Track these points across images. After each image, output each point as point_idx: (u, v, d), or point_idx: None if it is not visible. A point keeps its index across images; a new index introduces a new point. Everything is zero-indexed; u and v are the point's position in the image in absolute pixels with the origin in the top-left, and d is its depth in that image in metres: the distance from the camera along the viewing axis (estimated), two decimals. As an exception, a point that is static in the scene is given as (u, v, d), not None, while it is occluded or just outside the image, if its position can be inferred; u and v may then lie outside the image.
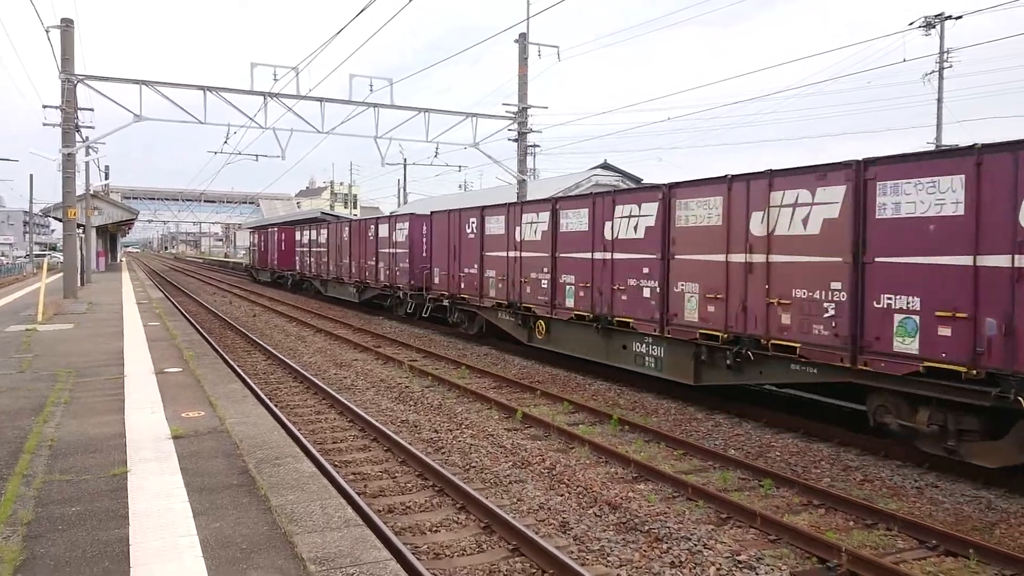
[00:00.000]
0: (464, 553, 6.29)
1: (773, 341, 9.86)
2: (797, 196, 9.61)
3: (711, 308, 10.96)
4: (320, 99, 24.78)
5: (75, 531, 4.97)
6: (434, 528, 6.83)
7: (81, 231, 30.93)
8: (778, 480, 8.14)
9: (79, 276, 28.08)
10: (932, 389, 8.07)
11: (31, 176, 63.96)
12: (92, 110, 28.10)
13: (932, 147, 25.66)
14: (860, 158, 8.90)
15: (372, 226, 26.24)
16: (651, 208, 12.28)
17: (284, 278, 41.09)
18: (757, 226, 10.18)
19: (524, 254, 16.02)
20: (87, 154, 33.61)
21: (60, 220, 27.45)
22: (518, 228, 16.20)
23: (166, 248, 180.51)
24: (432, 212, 21.02)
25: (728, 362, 10.57)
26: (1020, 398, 7.27)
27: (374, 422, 10.24)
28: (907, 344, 8.27)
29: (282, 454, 6.87)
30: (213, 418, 8.15)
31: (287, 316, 25.97)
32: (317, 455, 8.51)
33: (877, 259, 8.61)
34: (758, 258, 10.15)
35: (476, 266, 18.05)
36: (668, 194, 11.86)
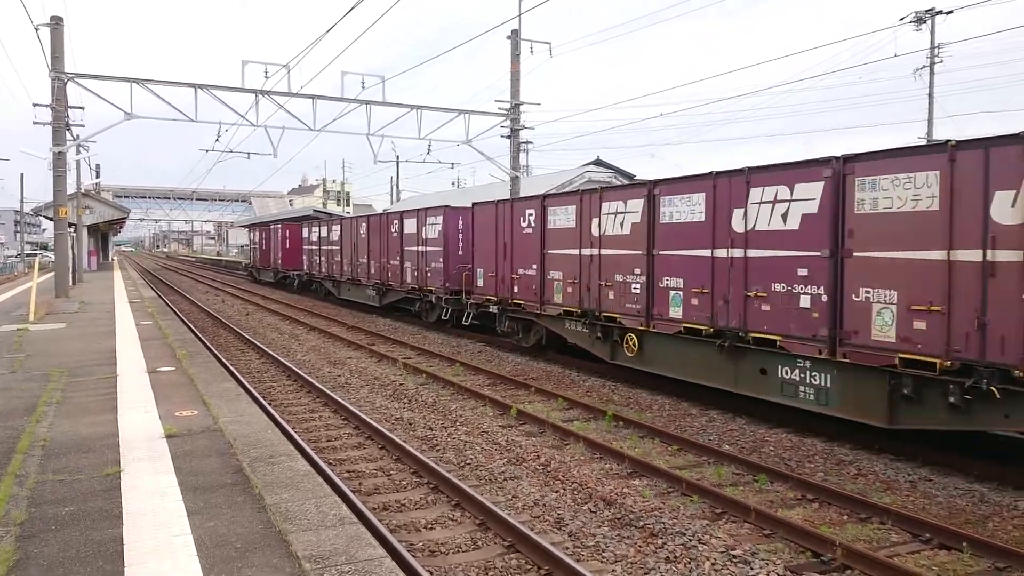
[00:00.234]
0: (459, 550, 6.29)
1: None
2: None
3: (919, 324, 8.16)
4: (312, 96, 24.72)
5: (69, 531, 4.94)
6: (429, 525, 6.83)
7: (72, 230, 30.76)
8: (772, 475, 8.17)
9: (71, 275, 27.95)
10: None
11: (21, 175, 63.93)
12: (83, 108, 28.06)
13: (924, 142, 25.72)
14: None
15: (396, 221, 23.58)
16: (814, 190, 9.30)
17: (289, 278, 38.30)
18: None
19: (605, 251, 13.14)
20: (78, 152, 33.49)
21: (51, 219, 27.32)
22: (596, 220, 13.37)
23: (158, 247, 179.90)
24: (474, 204, 18.45)
25: (952, 399, 7.90)
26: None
27: (368, 420, 10.22)
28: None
29: (276, 452, 6.85)
30: (207, 417, 8.12)
31: (280, 314, 25.90)
32: (311, 453, 8.49)
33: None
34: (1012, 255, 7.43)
35: (535, 266, 15.33)
36: (840, 169, 8.98)
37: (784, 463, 8.77)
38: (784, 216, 9.71)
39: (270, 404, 11.30)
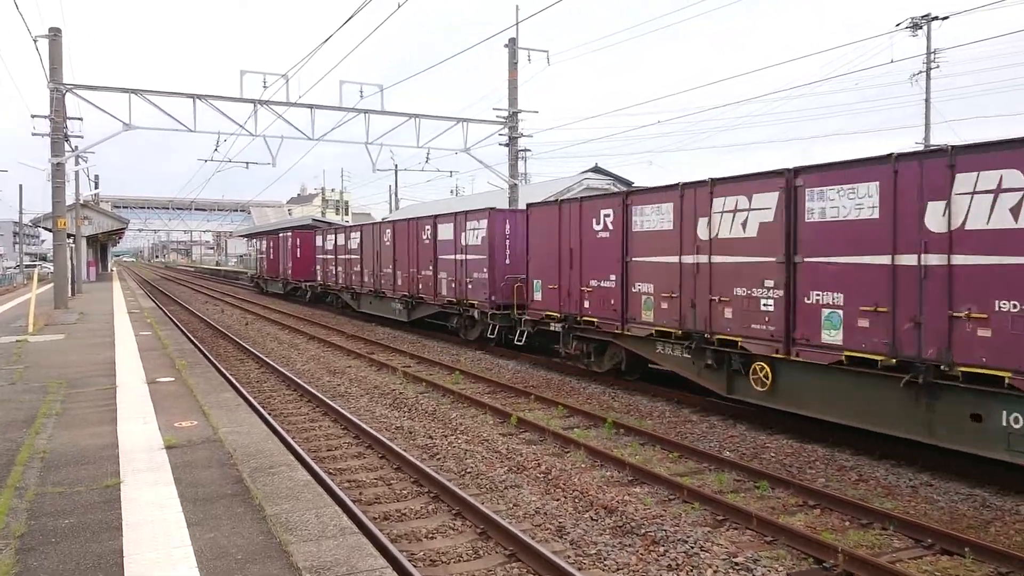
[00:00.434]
0: (460, 559, 6.27)
1: None
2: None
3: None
4: (310, 106, 24.75)
5: (68, 543, 4.93)
6: (430, 535, 6.81)
7: (71, 241, 30.78)
8: (773, 481, 8.15)
9: (70, 286, 27.94)
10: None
11: (20, 186, 63.98)
12: (81, 119, 28.02)
13: (921, 147, 25.79)
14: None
15: (428, 226, 21.18)
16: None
17: (301, 290, 35.69)
18: None
19: (717, 259, 10.84)
20: (77, 163, 33.53)
21: (50, 230, 27.31)
22: (704, 220, 11.05)
23: (157, 257, 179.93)
24: (528, 205, 16.15)
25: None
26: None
27: (368, 429, 10.21)
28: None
29: (276, 463, 6.83)
30: (206, 427, 8.11)
31: (280, 324, 25.89)
32: (312, 463, 8.48)
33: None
34: None
35: (614, 277, 13.04)
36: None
37: (785, 469, 8.75)
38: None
39: (270, 414, 11.29)
